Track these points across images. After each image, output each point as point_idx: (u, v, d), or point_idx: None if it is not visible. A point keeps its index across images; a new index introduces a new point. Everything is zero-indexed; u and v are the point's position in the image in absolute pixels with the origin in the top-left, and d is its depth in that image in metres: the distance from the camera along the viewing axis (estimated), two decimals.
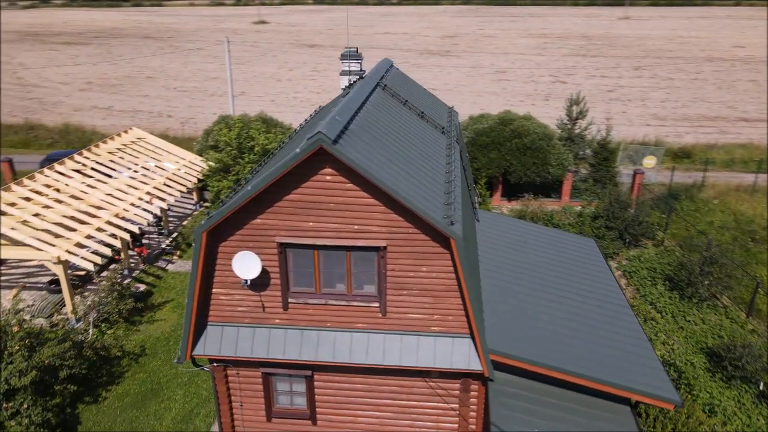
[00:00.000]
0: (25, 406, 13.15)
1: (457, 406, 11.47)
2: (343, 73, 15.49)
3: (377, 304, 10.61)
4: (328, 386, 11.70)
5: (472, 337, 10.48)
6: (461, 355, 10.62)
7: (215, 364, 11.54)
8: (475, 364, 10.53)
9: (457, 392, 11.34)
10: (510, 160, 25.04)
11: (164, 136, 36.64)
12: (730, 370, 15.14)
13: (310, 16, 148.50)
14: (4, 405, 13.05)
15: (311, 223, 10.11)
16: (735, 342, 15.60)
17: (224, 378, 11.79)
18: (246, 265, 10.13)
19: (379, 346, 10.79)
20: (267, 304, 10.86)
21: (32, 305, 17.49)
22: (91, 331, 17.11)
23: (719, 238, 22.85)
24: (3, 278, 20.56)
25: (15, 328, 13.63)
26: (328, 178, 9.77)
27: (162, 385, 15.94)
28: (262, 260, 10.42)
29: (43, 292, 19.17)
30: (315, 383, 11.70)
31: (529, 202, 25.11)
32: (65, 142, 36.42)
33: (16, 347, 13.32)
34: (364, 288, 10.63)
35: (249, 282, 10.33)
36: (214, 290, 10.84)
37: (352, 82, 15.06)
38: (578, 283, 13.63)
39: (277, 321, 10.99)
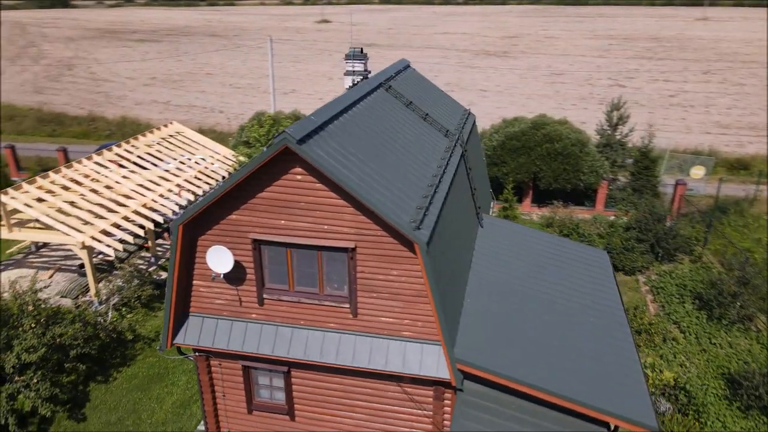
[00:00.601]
0: (35, 380, 14.03)
1: (431, 413, 11.29)
2: (347, 74, 15.53)
3: (348, 305, 10.60)
4: (306, 384, 11.80)
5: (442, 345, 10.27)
6: (430, 362, 10.44)
7: (197, 354, 11.90)
8: (443, 373, 10.33)
9: (431, 400, 11.15)
10: (540, 165, 24.32)
11: (212, 131, 38.13)
12: (746, 399, 14.08)
13: (373, 15, 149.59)
14: (17, 378, 13.98)
15: (283, 222, 10.23)
16: (754, 369, 14.49)
17: (207, 368, 12.13)
18: (219, 259, 10.38)
19: (350, 347, 10.78)
20: (244, 298, 11.09)
21: (47, 286, 18.44)
22: (110, 314, 18.05)
23: (765, 257, 21.27)
24: (43, 260, 22.03)
25: (30, 307, 14.56)
26: (299, 177, 9.86)
27: (168, 371, 16.60)
28: (238, 255, 10.66)
29: (74, 275, 20.38)
30: (293, 380, 11.83)
31: (557, 210, 24.28)
32: (121, 134, 38.46)
33: (30, 325, 14.24)
34: (335, 288, 10.65)
35: (221, 275, 10.59)
36: (194, 282, 11.17)
37: (355, 82, 15.08)
38: (575, 297, 13.06)
39: (253, 315, 11.20)
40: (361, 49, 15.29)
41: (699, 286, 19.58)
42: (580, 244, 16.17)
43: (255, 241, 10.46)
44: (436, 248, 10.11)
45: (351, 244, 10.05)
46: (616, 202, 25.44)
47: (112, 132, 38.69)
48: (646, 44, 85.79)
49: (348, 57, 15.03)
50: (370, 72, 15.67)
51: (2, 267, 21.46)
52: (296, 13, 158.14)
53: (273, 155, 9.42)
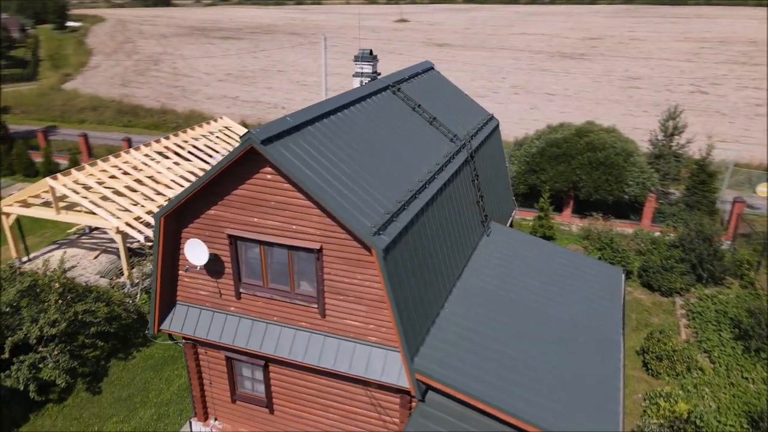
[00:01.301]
0: (55, 352, 15.22)
1: (398, 420, 11.18)
2: (356, 75, 15.58)
3: (316, 306, 10.70)
4: (283, 379, 12.04)
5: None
6: (393, 369, 10.33)
7: (185, 341, 12.44)
8: (404, 382, 10.20)
9: (397, 407, 11.04)
10: (580, 174, 23.24)
11: None
12: None
13: (453, 15, 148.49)
14: (40, 348, 15.22)
15: (256, 219, 10.49)
16: None
17: (194, 355, 12.66)
18: (196, 252, 10.81)
19: (318, 347, 10.88)
20: (223, 291, 11.47)
21: (73, 265, 19.85)
22: (138, 297, 19.20)
23: None
24: (93, 241, 23.78)
25: (56, 285, 15.79)
26: (269, 177, 10.06)
27: (181, 354, 17.41)
28: (216, 250, 11.05)
29: (115, 257, 21.85)
30: (271, 374, 12.11)
31: (596, 222, 23.11)
32: (187, 127, 40.64)
33: (55, 300, 15.45)
34: (304, 288, 10.78)
35: (198, 267, 11.02)
36: (179, 273, 11.69)
37: (364, 84, 15.11)
38: (571, 314, 12.43)
39: (232, 308, 11.56)
40: (371, 51, 15.32)
41: (742, 314, 17.99)
42: (594, 259, 15.34)
43: (230, 236, 10.79)
44: (401, 254, 9.97)
45: (317, 246, 10.14)
46: (665, 217, 23.83)
47: (179, 125, 40.92)
48: (743, 48, 79.46)
49: (357, 59, 15.08)
50: (379, 74, 15.65)
51: (57, 246, 23.38)
52: (377, 12, 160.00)
53: (239, 155, 9.68)
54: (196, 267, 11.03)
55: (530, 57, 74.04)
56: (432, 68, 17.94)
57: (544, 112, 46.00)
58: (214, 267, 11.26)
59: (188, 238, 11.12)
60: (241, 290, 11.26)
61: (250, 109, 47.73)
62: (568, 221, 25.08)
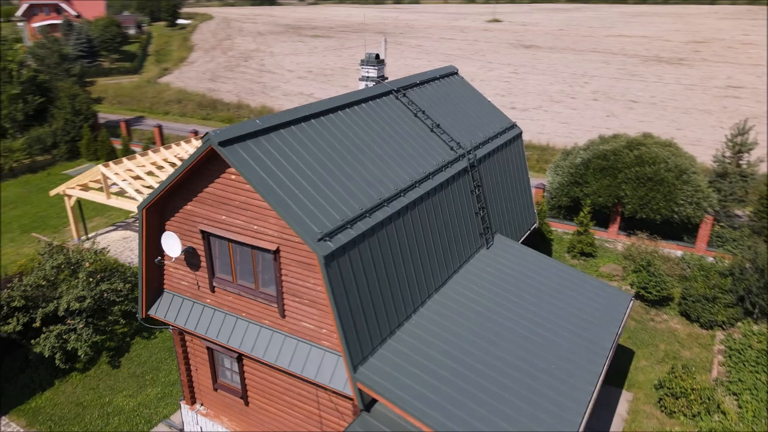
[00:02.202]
0: (81, 326, 16.62)
1: None
2: (362, 79, 15.55)
3: (276, 305, 10.91)
4: (255, 374, 12.39)
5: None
6: (341, 376, 10.32)
7: (172, 327, 13.15)
8: (349, 389, 10.16)
9: (350, 413, 11.02)
10: (625, 189, 21.74)
11: None
12: None
13: (550, 14, 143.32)
14: (68, 321, 16.69)
15: (224, 217, 10.87)
16: None
17: (180, 341, 13.35)
18: (170, 244, 11.40)
19: (278, 346, 11.09)
20: (200, 283, 11.99)
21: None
22: None
23: None
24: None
25: (87, 264, 17.23)
26: (233, 177, 10.39)
27: None
28: (194, 243, 11.57)
29: None
30: (245, 367, 12.50)
31: (641, 241, 21.53)
32: None
33: (83, 278, 16.86)
34: (267, 287, 11.02)
35: (173, 259, 11.61)
36: (165, 262, 12.37)
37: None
38: (551, 340, 11.76)
39: (208, 301, 12.06)
40: (377, 55, 15.24)
41: None
42: (601, 282, 14.34)
43: (202, 232, 11.26)
44: (350, 262, 9.92)
45: (274, 247, 10.34)
46: (725, 242, 21.73)
47: (250, 119, 42.85)
48: None
49: (363, 63, 15.08)
50: (386, 78, 15.55)
51: (115, 227, 25.42)
52: (472, 12, 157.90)
53: (201, 155, 10.08)
54: (171, 258, 11.63)
55: (622, 61, 69.92)
56: (455, 73, 17.56)
57: (621, 120, 43.38)
58: (192, 260, 11.81)
59: (169, 230, 11.74)
60: (214, 284, 11.72)
61: None
62: (614, 238, 23.56)
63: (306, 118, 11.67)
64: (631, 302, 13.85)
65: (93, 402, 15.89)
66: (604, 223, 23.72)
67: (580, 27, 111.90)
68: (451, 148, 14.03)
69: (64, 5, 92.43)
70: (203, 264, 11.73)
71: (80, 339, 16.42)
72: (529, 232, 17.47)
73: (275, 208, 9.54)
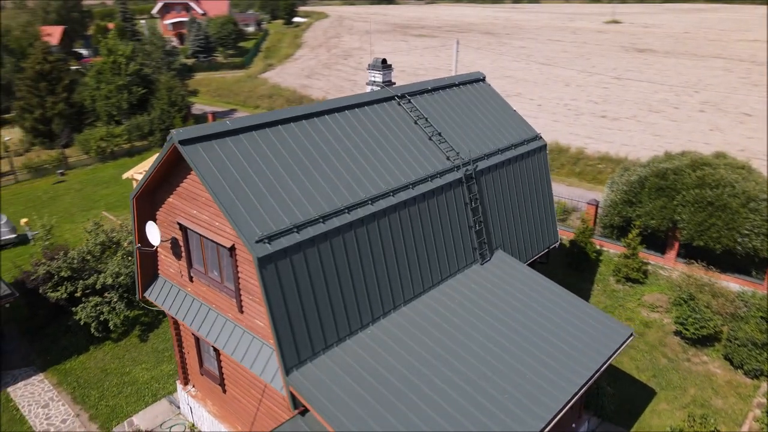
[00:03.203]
0: (115, 299, 18.24)
1: None
2: (369, 84, 15.39)
3: (235, 300, 11.29)
4: (228, 364, 12.92)
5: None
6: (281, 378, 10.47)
7: (168, 310, 14.04)
8: (285, 393, 10.29)
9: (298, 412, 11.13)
10: (681, 213, 19.68)
11: None
12: None
13: (679, 16, 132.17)
14: (106, 294, 18.38)
15: (195, 212, 11.44)
16: None
17: (174, 323, 14.24)
18: (152, 233, 12.20)
19: (236, 339, 11.47)
20: (182, 272, 12.70)
21: None
22: None
23: None
24: None
25: (125, 243, 18.84)
26: None
27: None
28: (176, 234, 12.28)
29: None
30: (221, 356, 13.07)
31: (696, 271, 19.41)
32: None
33: (120, 256, 18.47)
34: (229, 282, 11.42)
35: (154, 247, 12.40)
36: (157, 249, 13.25)
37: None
38: (515, 368, 11.07)
39: (189, 289, 12.74)
40: (384, 60, 15.06)
41: None
42: (601, 313, 13.16)
43: (179, 224, 11.92)
44: (291, 266, 10.01)
45: (230, 243, 10.70)
46: None
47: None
48: None
49: (370, 67, 15.00)
50: (394, 83, 15.32)
51: None
52: (592, 12, 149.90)
53: (167, 153, 10.67)
54: (152, 246, 12.44)
55: (747, 69, 62.90)
56: (480, 80, 16.90)
57: (726, 135, 39.18)
58: (175, 249, 12.54)
59: (152, 221, 12.55)
60: (192, 274, 12.37)
61: None
62: (672, 266, 21.43)
63: (284, 121, 11.90)
64: (630, 338, 12.60)
65: (115, 370, 17.39)
66: (662, 247, 21.66)
67: (709, 30, 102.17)
68: (448, 158, 13.59)
69: (192, 4, 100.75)
70: (183, 254, 12.41)
71: (113, 312, 18.03)
72: (546, 251, 16.43)
73: (221, 207, 9.88)
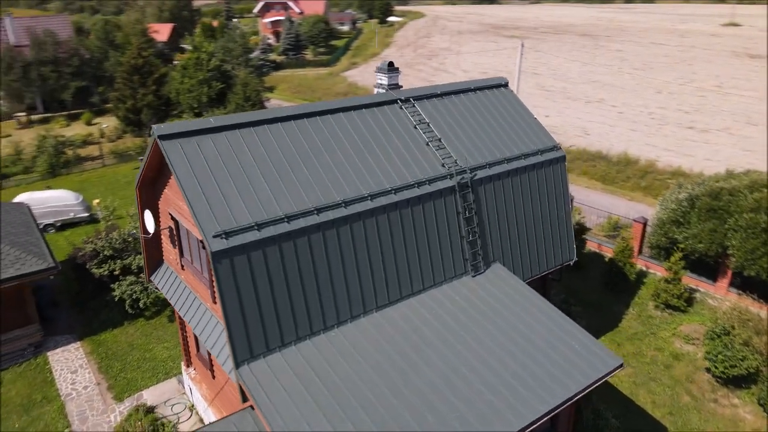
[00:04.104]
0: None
1: None
2: (376, 86, 15.20)
3: (209, 290, 11.76)
4: None
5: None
6: None
7: None
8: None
9: None
10: (732, 238, 17.79)
11: None
12: None
13: None
14: (141, 275, 19.78)
15: (181, 203, 12.03)
16: None
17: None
18: (149, 222, 12.99)
19: (212, 328, 11.93)
20: (177, 260, 13.41)
21: None
22: None
23: None
24: None
25: None
26: None
27: None
28: (171, 224, 12.98)
29: None
30: None
31: (745, 302, 17.49)
32: None
33: None
34: (206, 273, 11.89)
35: (150, 235, 13.18)
36: (161, 237, 14.07)
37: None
38: (476, 391, 10.62)
39: (183, 276, 13.44)
40: (391, 62, 14.85)
41: None
42: (591, 339, 12.23)
43: (170, 214, 12.59)
44: (253, 262, 10.27)
45: (201, 236, 11.14)
46: None
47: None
48: None
49: (378, 70, 14.89)
50: (401, 86, 15.08)
51: None
52: (708, 13, 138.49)
53: (153, 147, 11.31)
54: (149, 234, 13.24)
55: None
56: (502, 85, 16.25)
57: None
58: (172, 238, 13.25)
59: (160, 209, 13.34)
60: (182, 263, 13.03)
61: None
62: (723, 295, 19.45)
63: (271, 121, 12.18)
64: (617, 369, 11.63)
65: (141, 346, 18.67)
66: (713, 274, 19.72)
67: None
68: (443, 165, 13.25)
69: (290, 3, 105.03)
70: (177, 244, 13.10)
71: (144, 291, 19.36)
72: (557, 268, 15.53)
73: (187, 200, 10.33)
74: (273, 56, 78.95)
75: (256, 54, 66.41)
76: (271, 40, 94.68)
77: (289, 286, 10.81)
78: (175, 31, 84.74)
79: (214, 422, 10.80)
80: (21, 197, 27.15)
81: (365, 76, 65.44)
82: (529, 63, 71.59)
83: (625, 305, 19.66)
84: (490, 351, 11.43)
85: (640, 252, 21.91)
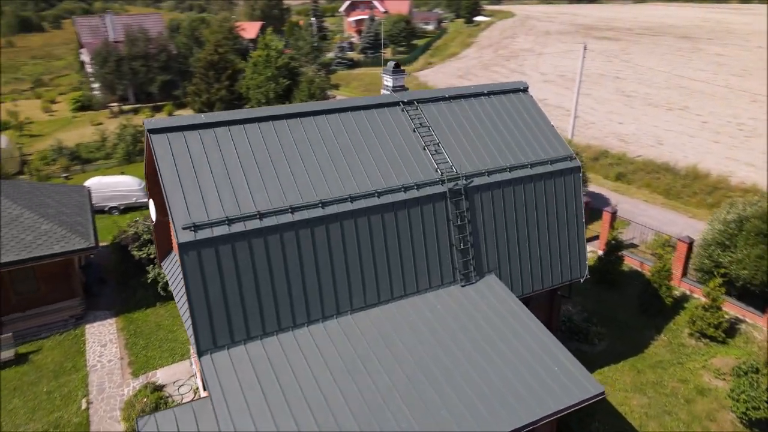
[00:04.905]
0: None
1: None
2: (384, 88, 14.94)
3: None
4: None
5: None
6: None
7: None
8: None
9: None
10: None
11: None
12: None
13: None
14: None
15: None
16: None
17: None
18: (151, 209, 13.74)
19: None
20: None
21: None
22: None
23: None
24: None
25: None
26: None
27: None
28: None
29: None
30: None
31: None
32: None
33: None
34: None
35: (153, 222, 13.90)
36: (170, 227, 14.81)
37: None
38: (432, 408, 10.33)
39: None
40: (396, 64, 14.60)
41: None
42: (576, 365, 11.44)
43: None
44: (220, 255, 10.62)
45: None
46: None
47: None
48: None
49: (385, 71, 14.71)
50: (406, 88, 14.79)
51: None
52: None
53: (147, 139, 11.92)
54: (152, 221, 13.97)
55: None
56: (521, 90, 15.55)
57: None
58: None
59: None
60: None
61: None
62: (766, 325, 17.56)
63: (263, 119, 12.47)
64: (598, 397, 10.82)
65: (166, 327, 19.76)
66: (763, 304, 17.83)
67: None
68: (437, 170, 12.93)
69: (375, 2, 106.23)
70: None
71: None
72: (565, 284, 14.68)
73: (164, 192, 10.82)
74: (352, 54, 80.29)
75: (333, 52, 67.93)
76: (354, 39, 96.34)
77: (258, 281, 11.03)
78: (263, 29, 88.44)
79: (177, 405, 11.26)
80: (91, 181, 29.53)
81: (438, 76, 64.98)
82: (612, 66, 67.97)
83: (657, 330, 18.22)
84: (458, 364, 11.05)
85: (684, 274, 20.21)
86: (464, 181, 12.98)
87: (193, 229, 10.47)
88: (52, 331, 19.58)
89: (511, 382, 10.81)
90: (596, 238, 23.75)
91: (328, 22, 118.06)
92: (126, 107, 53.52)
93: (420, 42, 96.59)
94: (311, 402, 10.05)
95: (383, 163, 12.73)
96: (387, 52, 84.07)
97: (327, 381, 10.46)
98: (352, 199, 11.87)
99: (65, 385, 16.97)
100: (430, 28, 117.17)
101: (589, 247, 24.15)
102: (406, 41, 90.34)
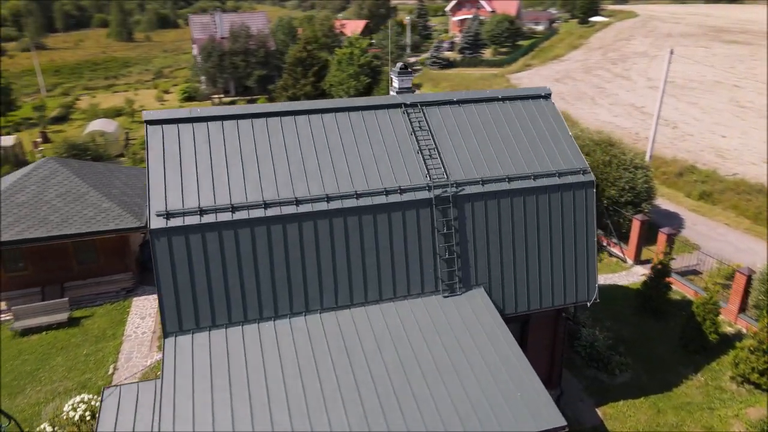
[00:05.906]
0: None
1: None
2: (392, 89, 14.51)
3: None
4: None
5: None
6: None
7: None
8: None
9: None
10: None
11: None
12: None
13: None
14: None
15: None
16: None
17: None
18: None
19: None
20: None
21: None
22: None
23: None
24: None
25: None
26: None
27: None
28: None
29: None
30: None
31: None
32: None
33: None
34: None
35: None
36: None
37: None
38: (376, 416, 10.12)
39: None
40: (405, 65, 14.19)
41: None
42: (545, 396, 10.57)
43: None
44: (191, 244, 11.10)
45: None
46: None
47: None
48: None
49: (392, 72, 14.40)
50: (413, 90, 14.35)
51: None
52: None
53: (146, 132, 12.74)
54: None
55: None
56: (541, 96, 14.56)
57: None
58: None
59: None
60: None
61: (631, 123, 43.41)
62: None
63: (258, 115, 12.83)
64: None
65: None
66: None
67: None
68: (426, 176, 12.54)
69: (482, 2, 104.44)
70: None
71: None
72: (569, 306, 13.61)
73: (148, 178, 11.50)
74: (450, 54, 79.62)
75: (429, 52, 67.74)
76: (458, 38, 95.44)
77: (227, 271, 11.39)
78: (367, 27, 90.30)
79: (139, 381, 11.95)
80: None
81: (534, 78, 62.61)
82: (733, 73, 61.48)
83: (695, 369, 16.34)
84: (412, 377, 10.68)
85: (742, 310, 17.92)
86: (454, 189, 12.48)
87: (165, 216, 11.05)
88: (105, 300, 21.54)
89: (462, 401, 10.26)
90: (650, 261, 21.73)
91: (435, 21, 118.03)
92: (226, 99, 57.24)
93: (525, 43, 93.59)
94: (253, 397, 10.21)
95: (371, 164, 12.59)
96: (486, 53, 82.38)
97: (275, 378, 10.56)
98: (329, 198, 11.87)
99: (102, 350, 18.62)
100: (540, 28, 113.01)
101: (641, 270, 22.20)
102: (511, 42, 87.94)
